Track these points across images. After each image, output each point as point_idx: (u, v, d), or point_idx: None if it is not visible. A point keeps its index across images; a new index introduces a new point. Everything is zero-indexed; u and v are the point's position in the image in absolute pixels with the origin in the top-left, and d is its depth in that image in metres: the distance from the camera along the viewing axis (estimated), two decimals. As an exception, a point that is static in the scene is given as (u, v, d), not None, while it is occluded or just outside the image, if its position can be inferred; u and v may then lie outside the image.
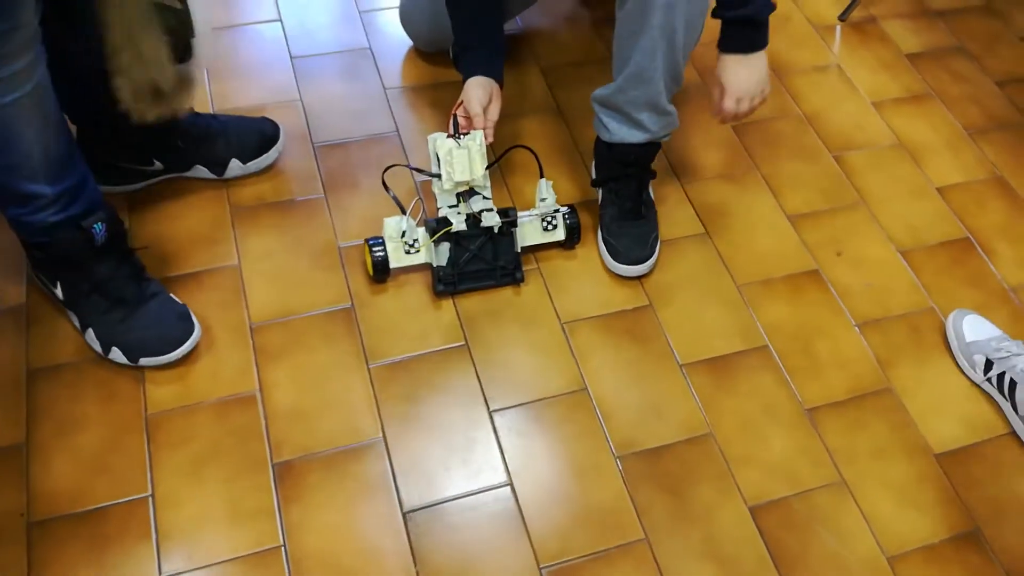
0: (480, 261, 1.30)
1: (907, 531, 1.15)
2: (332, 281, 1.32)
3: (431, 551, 1.08)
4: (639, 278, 1.36)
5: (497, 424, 1.20)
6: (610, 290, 1.35)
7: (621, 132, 1.31)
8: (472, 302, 1.31)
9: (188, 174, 1.40)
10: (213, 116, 1.42)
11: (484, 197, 1.32)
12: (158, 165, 1.37)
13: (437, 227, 1.28)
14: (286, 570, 1.05)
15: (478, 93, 1.31)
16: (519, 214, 1.33)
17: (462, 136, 1.29)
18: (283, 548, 1.07)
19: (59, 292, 1.20)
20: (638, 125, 1.29)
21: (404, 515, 1.11)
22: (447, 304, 1.31)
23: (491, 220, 1.28)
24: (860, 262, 1.42)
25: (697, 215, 1.46)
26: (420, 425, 1.18)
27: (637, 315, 1.32)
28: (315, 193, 1.42)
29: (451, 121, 1.32)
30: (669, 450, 1.19)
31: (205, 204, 1.39)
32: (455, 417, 1.20)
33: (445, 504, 1.12)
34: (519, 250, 1.32)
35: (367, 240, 1.30)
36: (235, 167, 1.39)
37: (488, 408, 1.21)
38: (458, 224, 1.28)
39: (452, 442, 1.17)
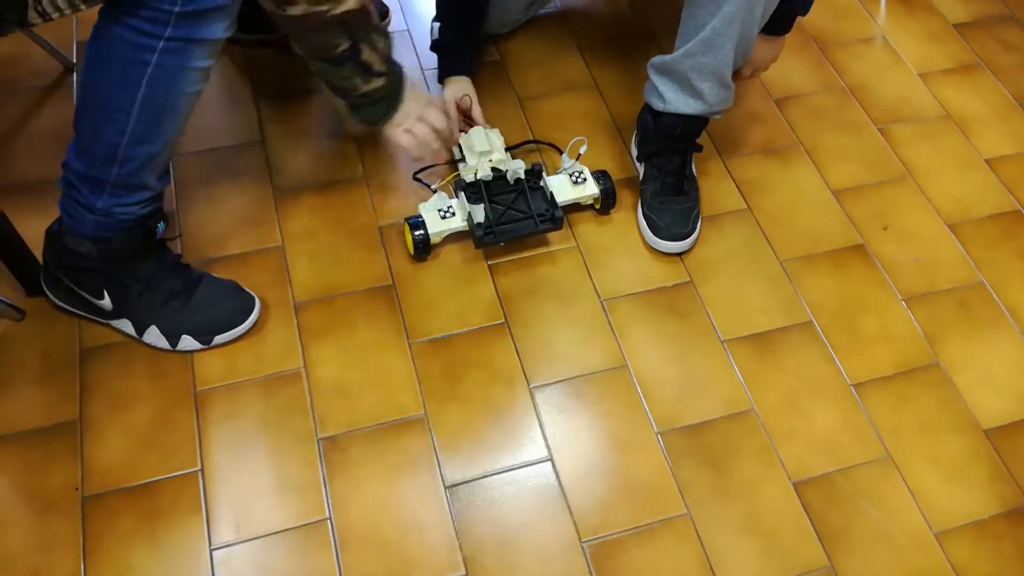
0: (516, 213, 1.31)
1: (956, 507, 1.13)
2: (373, 260, 1.33)
3: (473, 525, 1.09)
4: (680, 254, 1.35)
5: (537, 400, 1.20)
6: (650, 266, 1.34)
7: (677, 101, 1.29)
8: (511, 280, 1.31)
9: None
10: None
11: None
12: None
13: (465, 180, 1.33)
14: (332, 542, 1.07)
15: (473, 90, 1.44)
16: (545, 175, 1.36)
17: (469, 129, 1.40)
18: (329, 521, 1.09)
19: (107, 302, 1.17)
20: (697, 95, 1.28)
21: (446, 489, 1.12)
22: (486, 282, 1.31)
23: (515, 166, 1.32)
24: (907, 236, 1.40)
25: (739, 190, 1.44)
26: (461, 401, 1.19)
27: (677, 291, 1.32)
28: (355, 174, 1.43)
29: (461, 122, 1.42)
30: (710, 426, 1.18)
31: (249, 187, 1.41)
32: (496, 393, 1.20)
33: (486, 479, 1.13)
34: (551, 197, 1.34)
35: (406, 219, 1.31)
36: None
37: (528, 384, 1.21)
38: (484, 172, 1.31)
39: (493, 418, 1.18)
